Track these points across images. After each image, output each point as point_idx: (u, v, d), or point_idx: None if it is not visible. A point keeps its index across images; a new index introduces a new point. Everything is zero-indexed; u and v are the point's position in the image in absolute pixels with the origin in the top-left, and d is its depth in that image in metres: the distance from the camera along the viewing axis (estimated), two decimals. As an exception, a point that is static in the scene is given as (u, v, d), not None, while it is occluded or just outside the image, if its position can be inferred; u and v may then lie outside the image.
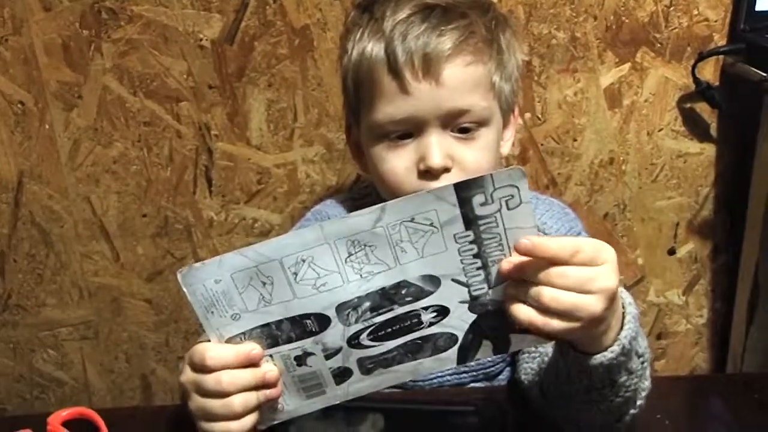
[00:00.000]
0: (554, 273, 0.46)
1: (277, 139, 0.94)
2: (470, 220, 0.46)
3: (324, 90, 0.92)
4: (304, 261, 0.47)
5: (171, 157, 0.95)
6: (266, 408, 0.52)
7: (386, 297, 0.49)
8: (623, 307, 0.51)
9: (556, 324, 0.47)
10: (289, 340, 0.50)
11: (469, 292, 0.49)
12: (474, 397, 0.65)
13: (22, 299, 1.03)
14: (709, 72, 0.92)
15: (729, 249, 1.01)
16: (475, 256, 0.48)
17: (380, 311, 0.50)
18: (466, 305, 0.50)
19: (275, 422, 0.54)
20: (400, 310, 0.50)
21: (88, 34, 0.89)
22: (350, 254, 0.47)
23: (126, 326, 1.05)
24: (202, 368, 0.49)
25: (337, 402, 0.54)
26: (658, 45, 0.91)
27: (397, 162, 0.63)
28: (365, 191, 0.75)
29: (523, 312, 0.47)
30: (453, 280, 0.49)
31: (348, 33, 0.65)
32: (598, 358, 0.50)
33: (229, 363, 0.49)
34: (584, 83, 0.92)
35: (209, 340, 0.50)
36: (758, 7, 0.87)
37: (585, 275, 0.46)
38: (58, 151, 0.95)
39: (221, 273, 0.47)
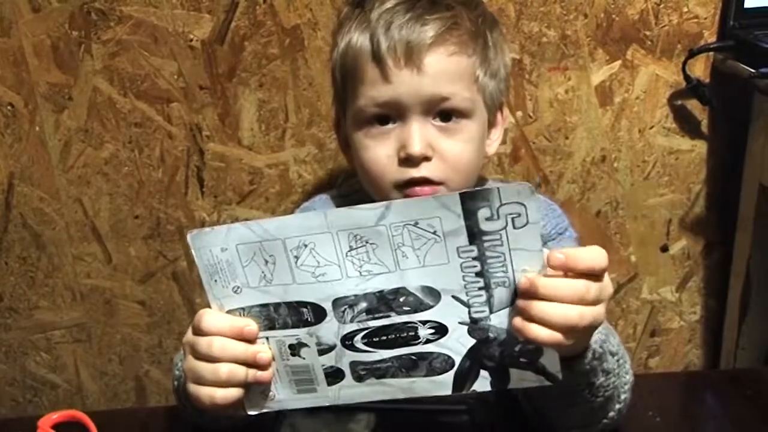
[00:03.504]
0: (582, 288, 0.46)
1: (269, 139, 0.94)
2: (474, 235, 0.46)
3: (315, 90, 0.92)
4: (306, 246, 0.48)
5: (162, 158, 0.95)
6: (256, 392, 0.53)
7: (384, 302, 0.49)
8: None
9: (576, 339, 0.47)
10: (285, 326, 0.51)
11: (469, 313, 0.49)
12: (466, 396, 0.65)
13: (14, 302, 1.03)
14: (700, 69, 0.92)
15: (721, 246, 1.01)
16: (478, 274, 0.47)
17: (376, 315, 0.50)
18: (466, 327, 0.49)
19: (264, 410, 0.54)
20: (397, 319, 0.50)
21: (77, 35, 0.89)
22: (351, 248, 0.48)
23: (119, 328, 1.05)
24: (198, 330, 0.51)
25: (327, 404, 0.54)
26: (649, 42, 0.91)
27: (379, 149, 0.64)
28: (354, 188, 0.75)
29: (544, 333, 0.46)
30: (453, 297, 0.48)
31: (339, 28, 0.67)
32: (573, 366, 0.51)
33: (223, 331, 0.51)
34: (575, 81, 0.93)
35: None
36: (747, 4, 0.87)
37: (601, 287, 0.47)
38: (49, 153, 0.95)
39: (227, 242, 0.49)
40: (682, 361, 1.08)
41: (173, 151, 0.95)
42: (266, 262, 0.49)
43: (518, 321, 0.47)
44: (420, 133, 0.62)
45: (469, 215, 0.45)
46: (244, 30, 0.89)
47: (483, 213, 0.45)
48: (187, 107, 0.93)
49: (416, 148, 0.61)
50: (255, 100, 0.92)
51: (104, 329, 1.05)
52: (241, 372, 0.51)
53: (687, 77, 0.91)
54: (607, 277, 0.48)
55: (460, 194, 0.45)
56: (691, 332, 1.07)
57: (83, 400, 1.07)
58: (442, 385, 0.52)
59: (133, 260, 1.01)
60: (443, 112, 0.63)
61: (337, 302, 0.50)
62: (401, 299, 0.49)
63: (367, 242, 0.47)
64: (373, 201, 0.70)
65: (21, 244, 1.00)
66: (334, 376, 0.53)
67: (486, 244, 0.46)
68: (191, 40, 0.89)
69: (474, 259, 0.47)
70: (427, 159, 0.63)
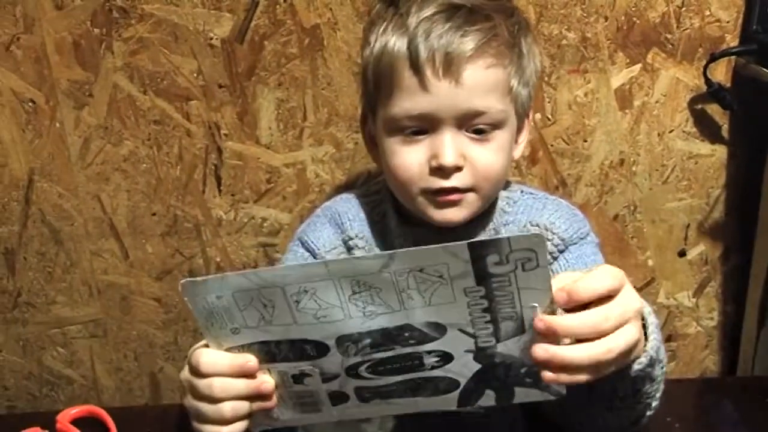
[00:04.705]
0: (597, 319, 0.45)
1: (287, 138, 0.95)
2: (482, 277, 0.45)
3: (334, 89, 0.92)
4: (306, 292, 0.47)
5: (180, 155, 0.96)
6: (259, 413, 0.53)
7: (388, 337, 0.49)
8: (643, 318, 0.51)
9: (609, 370, 0.46)
10: (287, 360, 0.50)
11: (475, 343, 0.48)
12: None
13: (32, 297, 1.04)
14: (721, 73, 0.91)
15: (740, 251, 1.00)
16: (485, 310, 0.46)
17: (381, 348, 0.49)
18: (472, 354, 0.49)
19: (268, 428, 0.54)
20: (401, 351, 0.49)
21: (98, 32, 0.90)
22: (354, 292, 0.47)
23: (135, 324, 1.05)
24: (196, 372, 0.50)
25: (333, 420, 0.54)
26: (670, 46, 0.91)
27: (410, 157, 0.63)
28: (376, 188, 0.76)
29: (577, 378, 0.45)
30: (460, 330, 0.47)
31: (372, 25, 0.66)
32: (627, 371, 0.50)
33: (223, 371, 0.50)
34: (595, 84, 0.92)
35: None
36: None
37: (622, 307, 0.46)
38: (69, 149, 0.96)
39: (222, 290, 0.47)
40: (699, 367, 1.08)
41: (191, 149, 0.95)
42: (265, 306, 0.48)
43: (548, 375, 0.46)
44: (453, 144, 0.62)
45: (477, 260, 0.44)
46: (263, 29, 0.90)
47: (492, 259, 0.44)
48: (206, 105, 0.93)
49: (449, 160, 0.61)
50: (273, 99, 0.93)
51: (120, 325, 1.05)
52: (244, 407, 0.50)
53: (708, 81, 0.90)
54: (627, 293, 0.46)
55: (469, 244, 0.44)
56: (707, 338, 1.06)
57: (99, 395, 1.08)
58: (447, 401, 0.51)
59: (150, 257, 1.01)
60: (476, 125, 0.63)
61: (340, 339, 0.49)
62: (406, 334, 0.48)
63: (371, 287, 0.46)
64: (397, 202, 0.71)
65: (40, 240, 1.01)
66: (338, 398, 0.52)
67: (494, 285, 0.45)
68: (211, 39, 0.90)
69: (482, 297, 0.46)
70: (458, 169, 0.62)
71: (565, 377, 0.45)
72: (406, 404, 0.52)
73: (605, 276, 0.46)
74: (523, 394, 0.50)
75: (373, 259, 0.45)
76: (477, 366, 0.49)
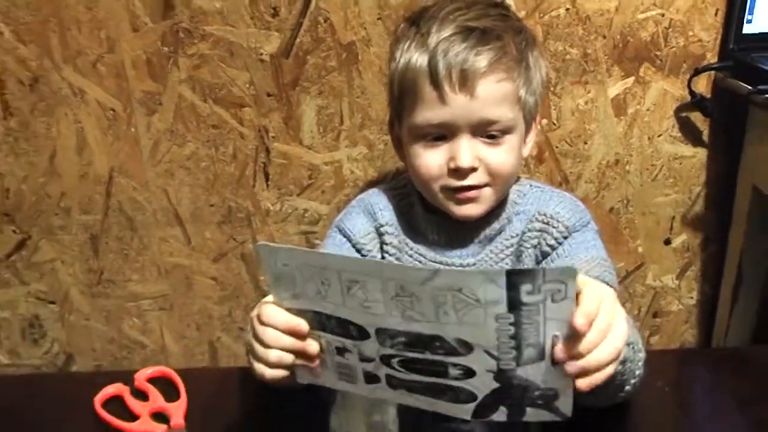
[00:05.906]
0: (606, 324, 0.47)
1: (326, 140, 1.00)
2: (514, 304, 0.45)
3: (367, 98, 0.97)
4: (357, 282, 0.49)
5: (235, 155, 1.01)
6: (305, 369, 0.56)
7: (421, 342, 0.50)
8: None
9: (622, 355, 0.49)
10: (334, 333, 0.53)
11: (497, 365, 0.49)
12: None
13: (112, 275, 1.10)
14: (703, 85, 0.97)
15: (717, 240, 1.05)
16: (511, 337, 0.47)
17: (413, 349, 0.51)
18: (492, 375, 0.50)
19: (312, 383, 0.57)
20: (430, 357, 0.50)
21: (167, 50, 0.96)
22: (397, 295, 0.48)
23: (196, 300, 1.11)
24: (258, 318, 0.55)
25: (365, 394, 0.56)
26: (659, 61, 0.96)
27: (431, 159, 0.68)
28: (403, 182, 0.79)
29: (606, 372, 0.47)
30: (485, 351, 0.48)
31: (397, 42, 0.70)
32: None
33: (277, 325, 0.54)
34: (594, 94, 0.97)
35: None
36: (745, 30, 0.93)
37: (613, 306, 0.49)
38: (141, 150, 1.02)
39: (290, 261, 0.51)
40: (680, 339, 1.13)
41: (244, 150, 1.01)
42: (322, 283, 0.50)
43: (583, 384, 0.47)
44: (469, 149, 0.66)
45: (512, 288, 0.44)
46: (306, 45, 0.95)
47: (525, 288, 0.44)
48: (257, 112, 0.98)
49: (465, 162, 0.66)
50: (315, 106, 0.98)
51: (184, 300, 1.11)
52: (288, 358, 0.54)
53: (691, 92, 0.95)
54: (611, 293, 0.50)
55: (507, 272, 0.44)
56: (688, 314, 1.12)
57: (166, 358, 1.14)
58: (463, 411, 0.53)
59: (208, 242, 1.07)
60: (489, 131, 0.67)
61: (379, 330, 0.51)
62: (437, 344, 0.49)
63: (412, 294, 0.47)
64: (422, 197, 0.74)
65: (118, 227, 1.07)
66: (371, 378, 0.54)
67: (523, 313, 0.45)
68: (262, 54, 0.95)
69: (510, 324, 0.46)
70: (474, 169, 0.67)
71: (597, 378, 0.47)
72: (427, 402, 0.54)
73: (602, 290, 0.48)
74: (533, 414, 0.51)
75: (419, 271, 0.48)
76: (496, 384, 0.50)
